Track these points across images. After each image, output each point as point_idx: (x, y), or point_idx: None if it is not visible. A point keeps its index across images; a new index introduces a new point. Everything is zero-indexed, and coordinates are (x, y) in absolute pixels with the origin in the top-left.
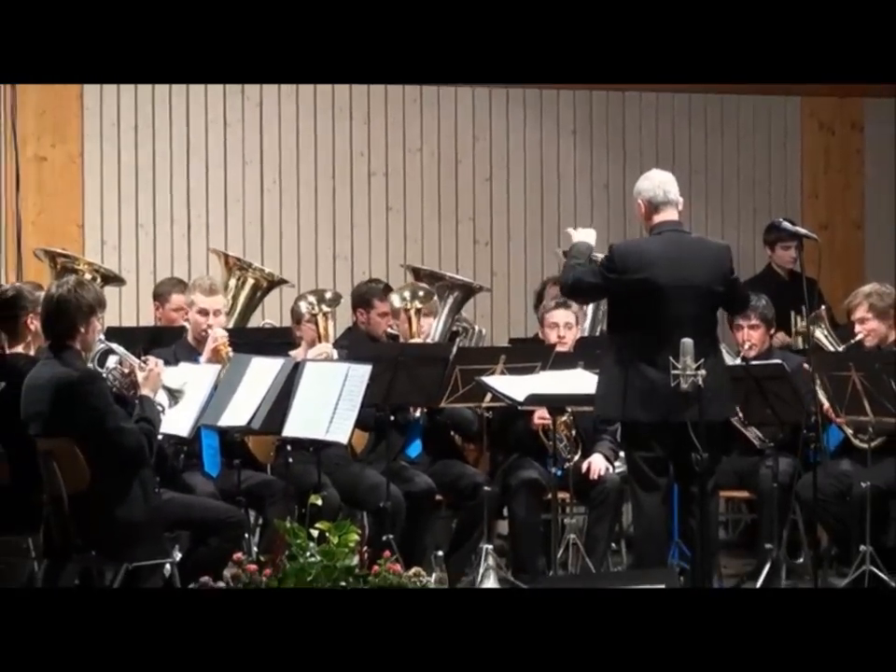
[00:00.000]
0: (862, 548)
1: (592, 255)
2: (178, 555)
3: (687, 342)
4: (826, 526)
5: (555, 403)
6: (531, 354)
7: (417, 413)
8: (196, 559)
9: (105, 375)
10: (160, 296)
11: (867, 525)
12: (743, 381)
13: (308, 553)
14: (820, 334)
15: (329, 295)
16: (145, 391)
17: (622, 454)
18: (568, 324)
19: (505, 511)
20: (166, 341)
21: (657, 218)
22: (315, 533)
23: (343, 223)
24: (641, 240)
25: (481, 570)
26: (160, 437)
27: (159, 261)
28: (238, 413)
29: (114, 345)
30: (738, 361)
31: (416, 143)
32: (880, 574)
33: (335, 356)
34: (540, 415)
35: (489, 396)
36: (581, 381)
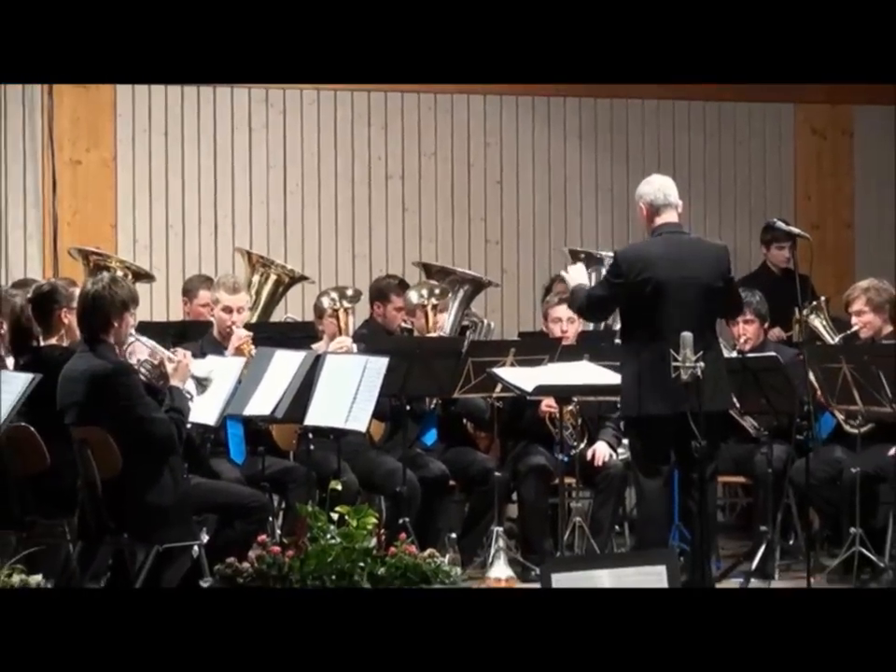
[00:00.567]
0: (852, 530)
1: (600, 255)
2: (206, 538)
3: (686, 335)
4: (818, 510)
5: (562, 393)
6: (539, 347)
7: (432, 403)
8: (223, 541)
9: (136, 367)
10: (188, 292)
11: (857, 508)
12: (739, 373)
13: (328, 536)
14: (819, 324)
15: (350, 292)
16: (174, 382)
17: (625, 441)
18: (571, 318)
19: (514, 496)
20: (194, 335)
21: (658, 220)
22: (335, 516)
23: (362, 223)
24: (643, 242)
25: (492, 551)
26: (188, 426)
27: (187, 259)
28: (262, 402)
29: (144, 339)
30: (735, 354)
31: (431, 148)
32: (869, 554)
33: (354, 349)
34: (547, 404)
35: (500, 386)
36: (587, 372)
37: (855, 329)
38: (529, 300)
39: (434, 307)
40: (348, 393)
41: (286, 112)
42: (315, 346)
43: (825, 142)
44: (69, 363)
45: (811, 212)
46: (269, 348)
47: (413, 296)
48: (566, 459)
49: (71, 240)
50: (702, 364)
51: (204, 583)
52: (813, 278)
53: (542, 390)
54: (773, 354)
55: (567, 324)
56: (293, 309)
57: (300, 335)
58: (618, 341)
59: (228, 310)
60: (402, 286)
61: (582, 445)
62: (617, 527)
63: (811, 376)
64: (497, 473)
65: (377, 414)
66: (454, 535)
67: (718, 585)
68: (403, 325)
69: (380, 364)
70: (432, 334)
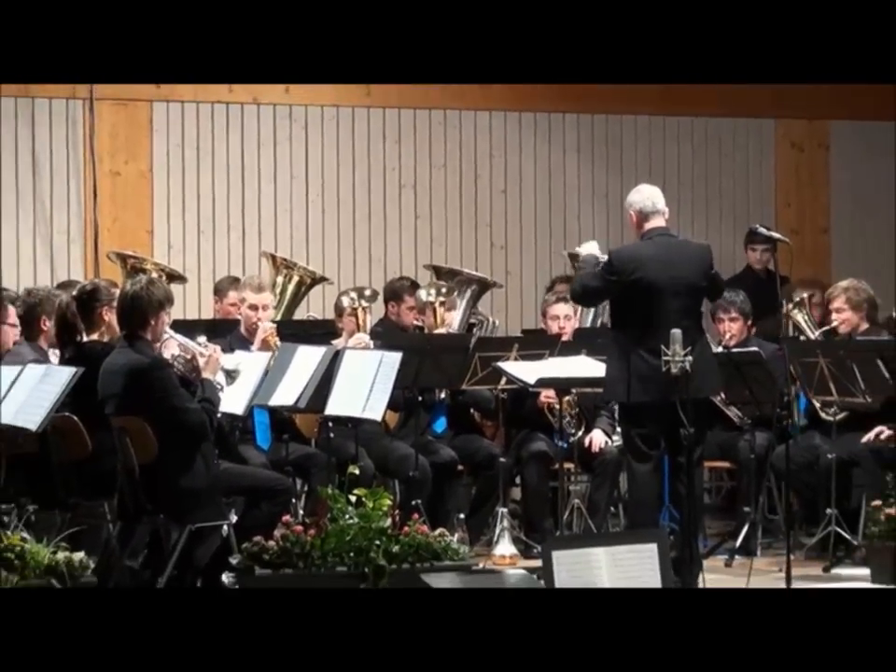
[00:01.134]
0: (828, 511)
1: (598, 258)
2: (234, 518)
3: (676, 331)
4: (797, 492)
5: (561, 385)
6: (540, 343)
7: (442, 395)
8: (250, 521)
9: (171, 361)
10: (218, 292)
11: (832, 490)
12: (724, 366)
13: (347, 516)
14: (801, 318)
15: (367, 292)
16: (206, 375)
17: (619, 429)
18: (567, 316)
19: (518, 479)
20: (223, 332)
21: (647, 226)
22: (353, 498)
23: (377, 229)
24: (635, 244)
25: (497, 531)
26: (219, 415)
27: (217, 262)
28: (286, 394)
29: (178, 336)
30: (720, 349)
31: (441, 160)
32: (844, 533)
33: (371, 345)
34: (546, 395)
35: (504, 379)
36: (584, 366)
37: (834, 324)
38: (531, 299)
39: (441, 304)
40: (365, 385)
41: (307, 128)
42: (334, 342)
43: (803, 154)
44: (109, 357)
45: (790, 218)
46: (293, 343)
47: (422, 294)
48: (564, 446)
49: (110, 244)
50: (690, 358)
51: (233, 559)
52: (792, 279)
53: (543, 382)
54: (756, 349)
55: (563, 321)
56: (314, 308)
57: (320, 332)
58: None
59: (253, 307)
60: (414, 287)
61: (580, 433)
62: (612, 508)
63: (791, 369)
64: (501, 459)
65: (391, 405)
66: (462, 515)
67: (704, 561)
68: (416, 323)
69: (394, 359)
70: (440, 329)
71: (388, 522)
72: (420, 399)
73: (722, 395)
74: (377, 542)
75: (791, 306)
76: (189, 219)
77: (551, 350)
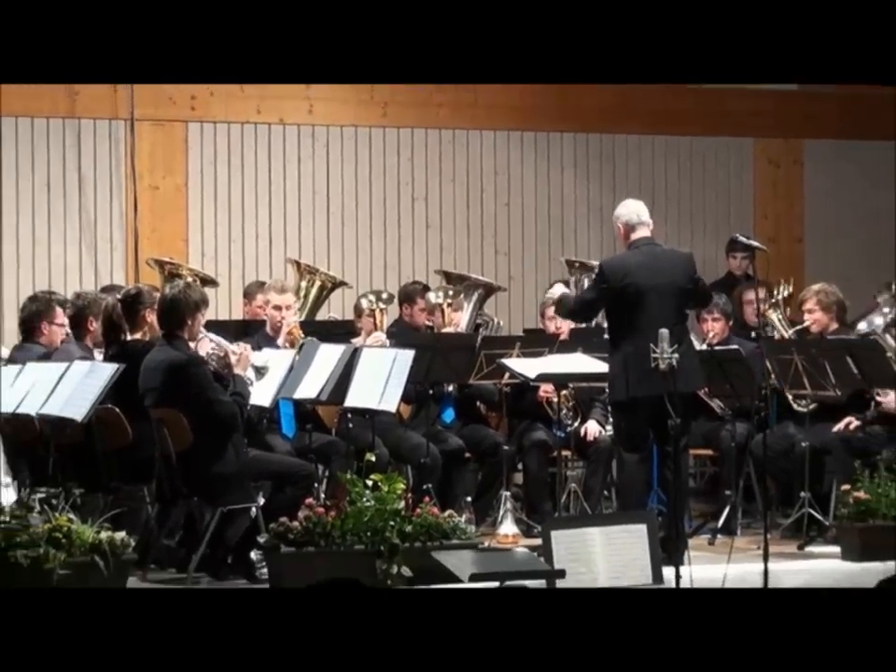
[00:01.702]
0: (802, 494)
1: (591, 263)
2: (262, 500)
3: (663, 331)
4: (773, 477)
5: (560, 380)
6: (540, 341)
7: (450, 388)
8: (276, 504)
9: (205, 358)
10: (247, 295)
11: (806, 476)
12: (707, 362)
13: (364, 499)
14: (776, 318)
15: (385, 295)
16: (237, 370)
17: (611, 420)
18: None
19: (520, 466)
20: (252, 332)
21: (633, 236)
22: (370, 483)
23: (392, 238)
24: (623, 254)
25: (501, 512)
26: (248, 407)
27: (246, 268)
28: (309, 387)
29: (212, 335)
30: (704, 347)
31: (450, 175)
32: (816, 515)
33: (387, 343)
34: (545, 389)
35: (507, 374)
36: (580, 362)
37: (806, 324)
38: (532, 302)
39: (449, 305)
40: (381, 379)
41: (328, 146)
42: (354, 341)
43: (779, 170)
44: (149, 354)
45: (768, 228)
46: (315, 342)
47: (431, 297)
48: (562, 435)
49: (149, 252)
50: (676, 356)
51: (261, 539)
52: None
53: (543, 377)
54: (736, 347)
55: (560, 321)
56: (335, 309)
57: (341, 331)
58: (606, 336)
59: (277, 308)
60: (426, 290)
61: (576, 423)
62: (605, 492)
63: (768, 365)
64: (505, 447)
65: (405, 397)
66: (469, 498)
67: (689, 540)
68: (427, 323)
69: (407, 356)
70: (448, 328)
71: (402, 504)
72: (431, 392)
73: (706, 388)
74: (392, 523)
75: (766, 306)
76: (220, 229)
77: (550, 348)
